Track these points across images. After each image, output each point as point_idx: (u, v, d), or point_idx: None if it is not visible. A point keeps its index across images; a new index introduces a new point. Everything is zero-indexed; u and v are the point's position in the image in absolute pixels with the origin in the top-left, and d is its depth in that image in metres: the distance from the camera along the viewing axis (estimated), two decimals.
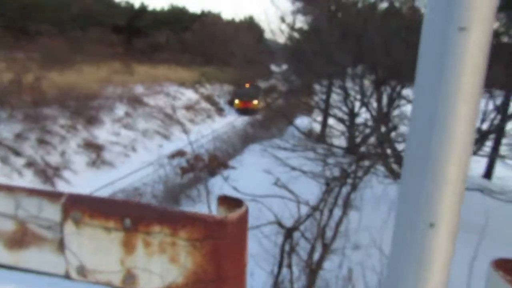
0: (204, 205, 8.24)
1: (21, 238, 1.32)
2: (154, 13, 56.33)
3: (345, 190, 4.17)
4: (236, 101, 31.45)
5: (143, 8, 56.38)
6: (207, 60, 43.28)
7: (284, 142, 8.44)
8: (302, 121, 11.96)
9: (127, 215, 1.11)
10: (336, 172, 4.93)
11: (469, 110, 0.94)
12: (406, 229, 1.02)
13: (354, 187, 3.99)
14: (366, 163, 4.56)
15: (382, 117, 6.19)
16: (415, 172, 0.99)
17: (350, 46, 7.35)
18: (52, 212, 1.24)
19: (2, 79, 19.24)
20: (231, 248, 1.08)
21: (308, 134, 9.68)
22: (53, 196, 1.24)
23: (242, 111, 30.52)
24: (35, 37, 38.52)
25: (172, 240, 1.08)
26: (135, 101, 24.31)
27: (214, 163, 9.42)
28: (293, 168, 4.86)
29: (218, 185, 5.90)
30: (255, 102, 30.02)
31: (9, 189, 1.30)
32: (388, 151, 6.09)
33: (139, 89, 26.93)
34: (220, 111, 31.43)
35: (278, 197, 4.34)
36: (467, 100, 0.92)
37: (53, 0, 51.51)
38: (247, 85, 31.35)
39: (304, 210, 4.16)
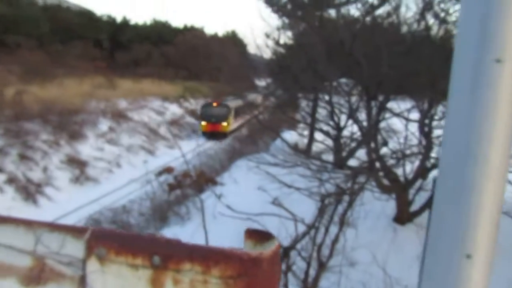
0: (192, 223, 8.13)
1: (38, 275, 1.26)
2: (136, 27, 56.26)
3: (340, 207, 4.15)
4: (203, 123, 27.22)
5: (125, 22, 56.25)
6: (191, 75, 43.27)
7: (272, 157, 8.41)
8: (287, 136, 11.99)
9: (156, 252, 1.07)
10: (330, 188, 4.92)
11: (503, 140, 0.93)
12: (440, 260, 1.00)
13: (350, 204, 3.98)
14: (360, 179, 4.57)
15: (371, 131, 6.26)
16: (449, 201, 0.98)
17: (336, 61, 7.45)
18: (74, 248, 1.19)
19: None
20: (264, 286, 1.04)
21: (295, 148, 9.69)
22: (77, 231, 1.19)
23: (210, 134, 26.57)
24: (14, 50, 37.95)
25: (203, 278, 1.04)
26: (119, 116, 24.04)
27: (202, 179, 9.33)
28: (289, 186, 4.83)
29: (210, 203, 5.82)
30: (225, 124, 26.41)
31: (29, 224, 1.25)
32: (378, 165, 6.14)
33: (122, 104, 26.69)
34: None
35: (275, 215, 4.30)
36: (502, 130, 0.91)
37: (32, 12, 51.00)
38: (215, 104, 27.21)
39: (300, 228, 4.14)
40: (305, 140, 12.50)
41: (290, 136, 11.15)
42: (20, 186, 14.30)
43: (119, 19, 57.16)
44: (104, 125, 22.25)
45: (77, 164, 17.46)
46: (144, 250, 1.06)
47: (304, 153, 9.63)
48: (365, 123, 7.95)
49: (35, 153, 16.61)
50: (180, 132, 26.85)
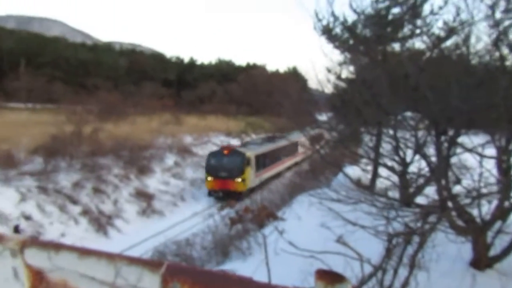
0: (253, 258, 8.06)
1: None
2: (202, 66, 59.34)
3: (410, 247, 3.91)
4: (209, 178, 20.33)
5: (192, 62, 59.60)
6: (252, 110, 44.30)
7: (334, 192, 8.21)
8: (349, 171, 11.69)
9: None
10: (397, 227, 4.67)
11: None
12: None
13: (421, 245, 3.73)
14: (432, 218, 4.29)
15: (442, 167, 5.91)
16: None
17: (401, 94, 7.24)
18: (151, 281, 1.23)
19: (63, 131, 20.60)
20: None
21: (359, 184, 9.38)
22: (153, 265, 1.24)
23: (218, 193, 19.85)
24: (92, 91, 41.51)
25: None
26: (184, 151, 25.01)
27: (263, 214, 9.30)
28: (353, 224, 4.65)
29: (271, 239, 5.76)
30: (239, 180, 19.53)
31: (110, 257, 1.32)
32: (450, 204, 5.73)
33: (187, 139, 27.80)
34: None
35: (339, 254, 4.14)
36: None
37: (109, 57, 55.81)
38: (226, 152, 20.64)
39: (367, 268, 3.94)
40: (368, 176, 12.08)
41: (353, 171, 10.84)
42: (93, 217, 15.21)
43: (186, 59, 60.84)
44: (170, 159, 23.23)
45: (144, 197, 18.27)
46: (217, 286, 1.06)
47: (368, 189, 9.29)
48: (433, 159, 7.54)
49: (107, 186, 17.68)
50: None
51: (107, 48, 60.25)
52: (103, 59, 54.46)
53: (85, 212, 15.24)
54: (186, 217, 16.70)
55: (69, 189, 16.02)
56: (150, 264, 1.28)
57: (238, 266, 6.91)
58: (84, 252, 1.45)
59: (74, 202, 15.53)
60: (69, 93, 41.39)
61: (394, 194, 9.45)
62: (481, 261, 6.32)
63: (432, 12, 6.95)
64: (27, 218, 13.48)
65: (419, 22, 8.01)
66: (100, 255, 1.46)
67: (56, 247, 1.51)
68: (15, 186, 14.48)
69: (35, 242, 1.58)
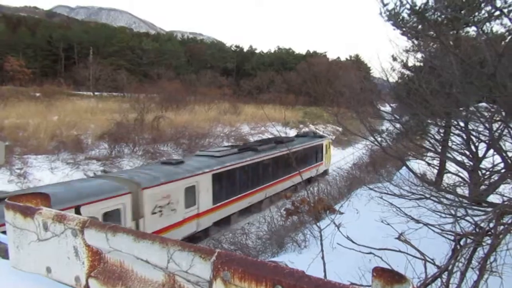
0: (309, 251, 7.93)
1: None
2: (261, 55, 59.46)
3: (480, 249, 3.58)
4: None
5: (251, 51, 59.91)
6: (311, 100, 43.70)
7: (396, 187, 7.83)
8: (413, 165, 11.11)
9: (280, 281, 0.98)
10: (465, 226, 4.32)
11: None
12: None
13: (494, 247, 3.40)
14: (506, 219, 3.91)
15: None
16: None
17: (474, 83, 6.68)
18: (202, 269, 1.18)
19: (127, 118, 21.63)
20: None
21: (424, 179, 8.87)
22: (205, 252, 1.19)
23: None
24: (155, 81, 43.24)
25: None
26: (241, 140, 25.25)
27: (320, 206, 9.11)
28: (417, 221, 4.37)
29: (327, 232, 5.59)
30: None
31: (163, 242, 1.30)
32: None
33: (245, 128, 28.05)
34: None
35: (400, 252, 3.90)
36: None
37: (173, 46, 57.61)
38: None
39: (430, 269, 3.67)
40: (435, 171, 11.41)
41: (418, 165, 10.27)
42: None
43: (246, 47, 61.30)
44: None
45: None
46: (268, 278, 0.98)
47: (433, 185, 8.75)
48: (510, 154, 6.91)
49: None
50: None
51: (169, 38, 62.27)
52: (165, 49, 56.43)
53: None
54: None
55: None
56: (202, 251, 1.23)
57: (293, 258, 6.82)
58: (139, 235, 1.44)
59: None
60: (133, 82, 43.45)
61: (463, 191, 8.83)
62: None
63: None
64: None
65: (498, 2, 7.31)
66: (154, 239, 1.45)
67: (113, 229, 1.51)
68: (82, 170, 15.43)
69: (94, 223, 1.59)
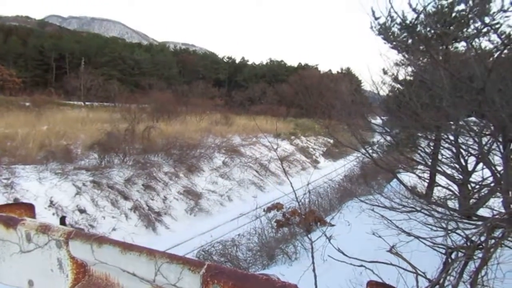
0: (299, 264, 7.86)
1: None
2: (253, 66, 59.82)
3: (470, 263, 3.57)
4: None
5: (243, 63, 60.29)
6: (303, 112, 43.93)
7: (387, 200, 7.84)
8: (403, 178, 11.15)
9: None
10: (456, 239, 4.31)
11: None
12: None
13: (485, 261, 3.39)
14: (497, 232, 3.91)
15: (510, 178, 5.41)
16: None
17: (464, 98, 6.76)
18: (190, 282, 1.13)
19: (118, 128, 21.50)
20: None
21: (414, 192, 8.90)
22: (193, 265, 1.15)
23: None
24: (147, 91, 43.19)
25: None
26: (232, 151, 25.22)
27: (311, 218, 9.08)
28: (408, 234, 4.35)
29: (318, 244, 5.55)
30: None
31: (151, 254, 1.25)
32: None
33: (236, 139, 28.04)
34: (315, 163, 31.13)
35: (391, 265, 3.88)
36: None
37: (165, 57, 57.73)
38: None
39: (421, 283, 3.64)
40: (425, 184, 11.46)
41: (408, 178, 10.32)
42: (142, 213, 15.66)
43: (238, 59, 61.63)
44: (219, 159, 23.50)
45: (192, 195, 18.58)
46: None
47: (424, 198, 8.79)
48: (499, 168, 6.97)
49: (157, 183, 18.16)
50: (289, 169, 27.05)
51: (162, 49, 62.39)
52: (157, 59, 56.48)
53: (136, 208, 15.73)
54: (232, 217, 16.78)
55: (121, 185, 16.60)
56: (190, 263, 1.20)
57: (283, 271, 6.76)
58: (126, 247, 1.39)
59: (126, 197, 16.08)
60: (125, 92, 43.32)
61: (454, 204, 8.87)
62: None
63: (502, 9, 6.41)
64: (82, 211, 14.12)
65: (486, 19, 7.45)
66: (141, 251, 1.40)
67: (99, 240, 1.46)
68: (71, 180, 15.23)
69: (79, 234, 1.54)
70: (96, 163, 18.01)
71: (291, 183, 3.94)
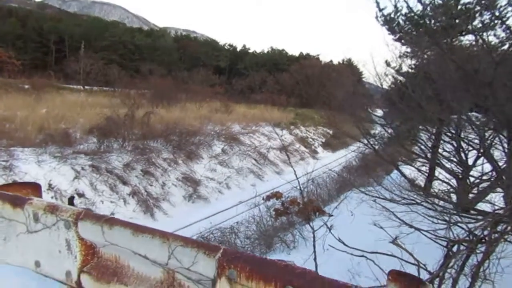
0: (298, 252, 7.89)
1: None
2: (254, 55, 59.41)
3: (474, 257, 3.57)
4: None
5: (244, 50, 59.89)
6: (303, 102, 43.79)
7: (387, 191, 7.83)
8: (403, 171, 11.15)
9: (290, 282, 0.91)
10: (459, 233, 4.31)
11: None
12: None
13: (487, 255, 3.39)
14: (499, 227, 3.91)
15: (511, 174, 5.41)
16: None
17: (468, 91, 6.72)
18: (205, 266, 1.10)
19: (117, 113, 21.38)
20: None
21: (415, 184, 8.90)
22: (208, 249, 1.11)
23: None
24: (147, 76, 42.88)
25: None
26: (232, 139, 25.17)
27: (310, 207, 9.09)
28: (410, 226, 4.35)
29: (317, 234, 5.55)
30: None
31: (164, 237, 1.22)
32: None
33: (236, 128, 27.96)
34: (314, 153, 31.13)
35: (393, 256, 3.88)
36: None
37: (166, 43, 57.27)
38: None
39: (422, 275, 3.65)
40: (424, 177, 11.48)
41: (408, 171, 10.31)
42: (141, 199, 15.67)
43: (239, 47, 61.18)
44: (218, 147, 23.46)
45: (191, 182, 18.58)
46: (278, 278, 0.90)
47: (423, 190, 8.80)
48: (501, 163, 6.97)
49: (156, 169, 18.14)
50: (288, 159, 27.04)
51: (163, 34, 61.87)
52: (158, 45, 56.01)
53: (134, 193, 15.73)
54: (231, 205, 16.81)
55: (120, 170, 16.58)
56: (205, 247, 1.12)
57: (282, 259, 6.79)
58: (138, 229, 1.35)
59: (124, 182, 16.07)
60: (125, 77, 43.03)
61: (452, 198, 8.88)
62: None
63: (509, 3, 6.35)
64: (80, 195, 14.11)
65: (493, 13, 7.37)
66: (154, 233, 1.35)
67: (110, 221, 1.43)
68: (70, 164, 15.19)
69: (90, 215, 1.51)
70: (95, 147, 17.95)
71: (295, 171, 3.93)
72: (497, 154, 7.70)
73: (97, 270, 1.43)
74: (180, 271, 1.25)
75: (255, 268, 1.03)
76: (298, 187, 5.81)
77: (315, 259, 3.95)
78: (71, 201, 11.85)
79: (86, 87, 44.65)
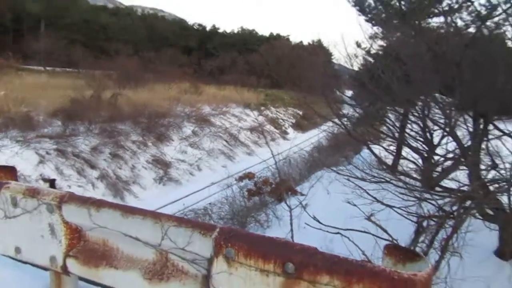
0: (272, 231, 8.01)
1: (161, 270, 1.17)
2: (224, 35, 58.41)
3: (441, 231, 3.74)
4: None
5: (214, 30, 58.74)
6: (273, 83, 43.68)
7: (357, 170, 8.02)
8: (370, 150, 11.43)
9: (290, 259, 0.91)
10: (428, 210, 4.49)
11: None
12: None
13: (455, 230, 3.56)
14: (467, 203, 4.10)
15: (476, 151, 5.65)
16: None
17: (436, 73, 6.91)
18: (201, 245, 1.07)
19: (83, 95, 20.67)
20: None
21: (384, 163, 9.14)
22: (204, 228, 1.09)
23: None
24: (113, 56, 41.41)
25: None
26: (202, 121, 24.94)
27: (282, 187, 9.20)
28: (382, 203, 4.49)
29: (293, 213, 5.64)
30: None
31: (156, 217, 1.18)
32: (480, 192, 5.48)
33: (206, 109, 27.68)
34: (284, 134, 31.36)
35: (366, 232, 4.01)
36: None
37: (132, 22, 55.34)
38: None
39: None
40: (391, 156, 11.81)
41: (377, 151, 10.58)
42: (110, 182, 15.35)
43: (209, 27, 59.94)
44: (188, 129, 23.20)
45: (161, 165, 18.35)
46: (277, 255, 0.89)
47: (391, 169, 9.07)
48: (464, 141, 7.25)
49: (125, 152, 17.78)
50: (259, 139, 27.12)
51: (129, 13, 59.72)
52: (124, 24, 54.08)
53: (103, 177, 15.39)
54: (203, 186, 16.77)
55: (88, 153, 16.13)
56: (201, 226, 1.09)
57: None
58: (128, 211, 1.31)
59: (92, 166, 15.67)
60: (89, 57, 41.38)
61: (418, 176, 9.19)
62: (506, 250, 6.10)
63: None
64: (46, 180, 13.68)
65: None
66: (145, 214, 1.27)
67: (97, 203, 1.38)
68: (34, 148, 14.63)
69: (74, 198, 1.45)
70: (60, 131, 17.31)
71: (271, 150, 3.94)
72: (459, 133, 8.01)
73: (84, 253, 1.40)
74: (174, 251, 1.22)
75: (254, 246, 1.01)
76: (272, 167, 5.84)
77: (292, 237, 4.02)
78: (52, 184, 11.44)
79: (47, 68, 42.71)
